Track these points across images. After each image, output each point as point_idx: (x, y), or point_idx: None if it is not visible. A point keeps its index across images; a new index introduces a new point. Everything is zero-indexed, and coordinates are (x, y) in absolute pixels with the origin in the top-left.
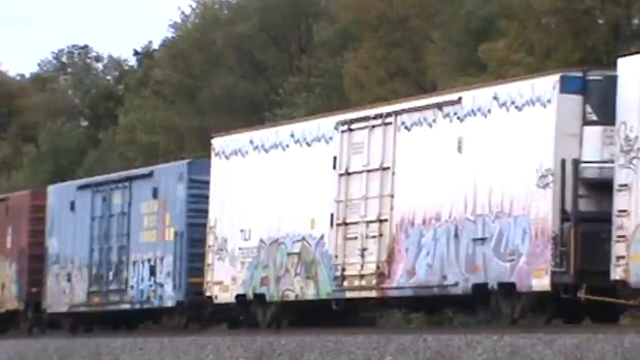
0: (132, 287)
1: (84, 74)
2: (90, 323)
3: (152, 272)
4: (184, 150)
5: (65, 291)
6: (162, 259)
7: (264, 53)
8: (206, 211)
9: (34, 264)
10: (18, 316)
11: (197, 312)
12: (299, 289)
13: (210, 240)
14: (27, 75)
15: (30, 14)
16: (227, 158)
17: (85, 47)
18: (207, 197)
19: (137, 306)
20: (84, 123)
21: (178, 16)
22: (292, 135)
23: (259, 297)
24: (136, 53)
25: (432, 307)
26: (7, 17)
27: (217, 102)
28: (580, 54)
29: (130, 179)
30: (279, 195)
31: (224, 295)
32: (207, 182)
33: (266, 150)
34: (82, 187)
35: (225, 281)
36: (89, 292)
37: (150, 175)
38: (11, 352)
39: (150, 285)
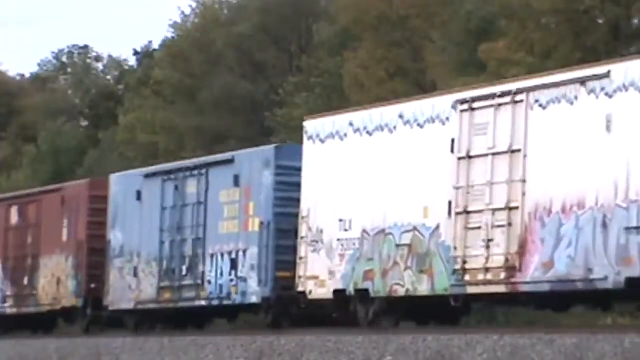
0: (209, 282)
1: (84, 74)
2: (156, 321)
3: (233, 265)
4: (184, 150)
5: (131, 287)
6: (244, 252)
7: (264, 53)
8: (295, 200)
9: (94, 258)
10: (74, 313)
11: (284, 309)
12: (409, 283)
13: (303, 231)
14: (27, 75)
15: (30, 14)
16: (322, 142)
17: (85, 47)
18: (296, 184)
19: (215, 302)
20: (84, 123)
21: (178, 16)
22: (401, 117)
23: (361, 293)
24: (136, 53)
25: (569, 304)
26: (7, 17)
27: (217, 102)
28: (580, 54)
29: (207, 165)
30: (385, 181)
31: (319, 291)
32: (296, 169)
33: (369, 133)
34: (150, 176)
35: (321, 275)
36: (159, 287)
37: (231, 161)
38: (11, 352)
39: (231, 280)
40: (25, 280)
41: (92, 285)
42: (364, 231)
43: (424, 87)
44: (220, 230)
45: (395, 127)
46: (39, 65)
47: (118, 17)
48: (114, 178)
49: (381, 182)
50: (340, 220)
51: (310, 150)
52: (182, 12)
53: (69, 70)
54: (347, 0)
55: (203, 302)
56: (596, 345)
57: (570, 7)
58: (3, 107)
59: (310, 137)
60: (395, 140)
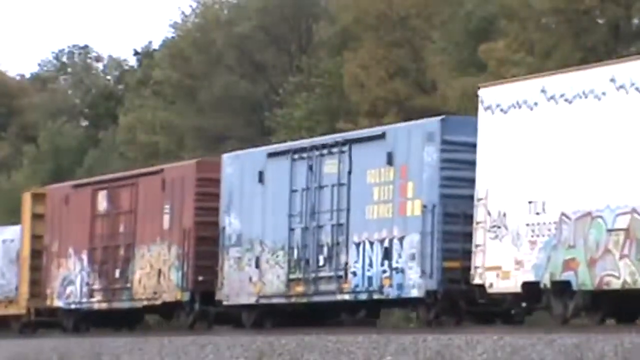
0: (354, 273)
1: (84, 74)
2: (281, 316)
3: (386, 255)
4: (184, 150)
5: (252, 279)
6: (401, 239)
7: (264, 53)
8: (464, 179)
9: (202, 248)
10: (177, 309)
11: (451, 303)
12: (627, 274)
13: (479, 216)
14: (27, 75)
15: (31, 14)
16: (503, 112)
17: (86, 47)
18: (465, 162)
19: (363, 296)
20: (84, 123)
21: (178, 16)
22: (613, 80)
23: (559, 285)
24: (136, 53)
25: None
26: (7, 17)
27: (217, 102)
28: (580, 54)
29: (350, 142)
30: (590, 156)
31: (503, 283)
32: (466, 144)
33: (568, 101)
34: (275, 155)
35: (504, 266)
36: (288, 280)
37: (381, 136)
38: (11, 351)
39: (384, 272)
40: (117, 273)
41: (200, 278)
42: (564, 214)
43: (424, 87)
44: (369, 215)
45: (604, 93)
46: (39, 65)
47: (118, 17)
48: (227, 158)
49: (586, 157)
50: (530, 202)
51: (487, 122)
52: (182, 12)
53: (69, 70)
54: (347, 0)
55: (346, 296)
56: (596, 345)
57: (570, 7)
58: (3, 107)
59: (487, 107)
60: (604, 107)
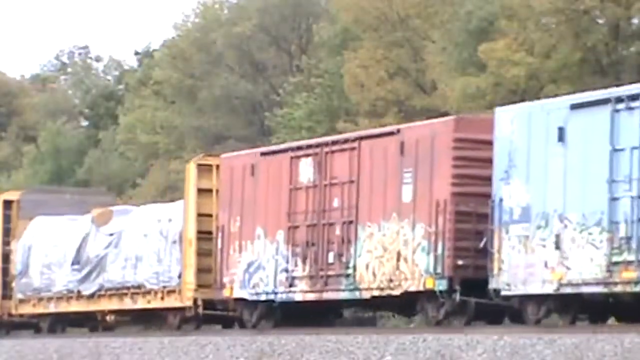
0: None
1: (84, 74)
2: (582, 310)
3: None
4: (184, 150)
5: (548, 264)
6: None
7: (264, 53)
8: None
9: (462, 225)
10: (424, 300)
11: None
12: None
13: None
14: (27, 76)
15: (31, 14)
16: None
17: (86, 47)
18: None
19: None
20: (84, 123)
21: (179, 16)
22: None
23: None
24: (136, 53)
25: None
26: (7, 17)
27: (217, 102)
28: (580, 54)
29: None
30: None
31: None
32: None
33: None
34: (581, 106)
35: None
36: (609, 263)
37: None
38: (11, 351)
39: None
40: (330, 257)
41: (460, 262)
42: None
43: (424, 87)
44: None
45: None
46: (39, 65)
47: (118, 18)
48: (505, 113)
49: None
50: None
51: None
52: (182, 13)
53: (69, 70)
54: (347, 0)
55: None
56: (596, 345)
57: (570, 7)
58: (3, 107)
59: None
60: None
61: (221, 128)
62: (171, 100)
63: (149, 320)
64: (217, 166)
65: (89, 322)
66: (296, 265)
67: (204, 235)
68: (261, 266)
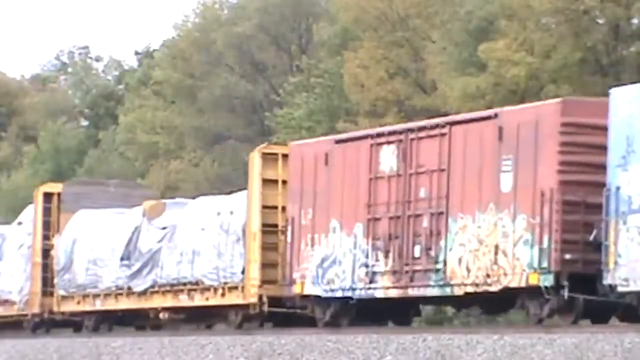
0: None
1: (84, 74)
2: None
3: None
4: (184, 150)
5: None
6: None
7: (264, 53)
8: None
9: (570, 216)
10: (525, 296)
11: None
12: None
13: None
14: (27, 76)
15: (31, 14)
16: None
17: (86, 47)
18: None
19: None
20: (84, 123)
21: (178, 16)
22: None
23: None
24: (136, 53)
25: None
26: (7, 17)
27: (217, 102)
28: (580, 54)
29: None
30: None
31: None
32: None
33: None
34: None
35: None
36: None
37: None
38: (12, 351)
39: None
40: (417, 251)
41: (568, 256)
42: None
43: (424, 87)
44: None
45: None
46: (39, 65)
47: (118, 18)
48: (625, 93)
49: None
50: None
51: None
52: (182, 12)
53: (69, 70)
54: (347, 0)
55: None
56: (596, 345)
57: (570, 7)
58: (3, 107)
59: None
60: None
61: (221, 128)
62: (171, 100)
63: (205, 318)
64: (283, 155)
65: (138, 320)
66: (377, 259)
67: (268, 228)
68: (337, 261)
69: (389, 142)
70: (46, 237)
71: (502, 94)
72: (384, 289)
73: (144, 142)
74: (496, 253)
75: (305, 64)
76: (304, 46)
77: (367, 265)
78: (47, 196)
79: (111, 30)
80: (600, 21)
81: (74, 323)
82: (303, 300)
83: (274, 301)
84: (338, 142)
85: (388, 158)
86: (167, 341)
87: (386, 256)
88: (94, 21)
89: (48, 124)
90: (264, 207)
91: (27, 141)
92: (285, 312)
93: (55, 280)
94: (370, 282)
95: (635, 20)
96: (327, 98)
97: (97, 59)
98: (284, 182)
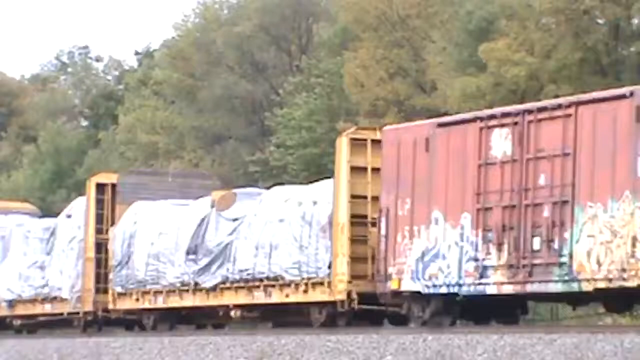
0: None
1: (84, 74)
2: None
3: None
4: (184, 150)
5: None
6: None
7: (264, 53)
8: None
9: None
10: None
11: None
12: None
13: None
14: (27, 76)
15: (31, 14)
16: None
17: (86, 47)
18: None
19: None
20: (84, 123)
21: (178, 16)
22: None
23: None
24: (136, 53)
25: None
26: (7, 17)
27: (217, 102)
28: (580, 54)
29: None
30: None
31: None
32: None
33: None
34: None
35: None
36: None
37: None
38: (11, 351)
39: None
40: (536, 243)
41: None
42: None
43: (424, 87)
44: None
45: None
46: (39, 65)
47: (118, 18)
48: None
49: None
50: None
51: None
52: (182, 12)
53: (69, 70)
54: (347, 0)
55: None
56: (596, 345)
57: (570, 7)
58: (3, 107)
59: None
60: None
61: (221, 128)
62: (171, 100)
63: (282, 315)
64: (373, 141)
65: (203, 318)
66: (488, 253)
67: (357, 219)
68: (440, 255)
69: (501, 125)
70: (99, 231)
71: (502, 94)
72: (497, 284)
73: (144, 142)
74: (634, 245)
75: (305, 64)
76: (304, 46)
77: (476, 259)
78: (100, 187)
79: (111, 30)
80: (600, 21)
81: (129, 322)
82: (396, 297)
83: (364, 298)
84: (441, 125)
85: (501, 142)
86: (167, 341)
87: (499, 249)
88: (94, 21)
89: (48, 124)
90: (352, 196)
91: (27, 141)
92: (375, 310)
93: (111, 276)
94: (481, 277)
95: (635, 20)
96: (327, 98)
97: (97, 59)
98: (374, 169)
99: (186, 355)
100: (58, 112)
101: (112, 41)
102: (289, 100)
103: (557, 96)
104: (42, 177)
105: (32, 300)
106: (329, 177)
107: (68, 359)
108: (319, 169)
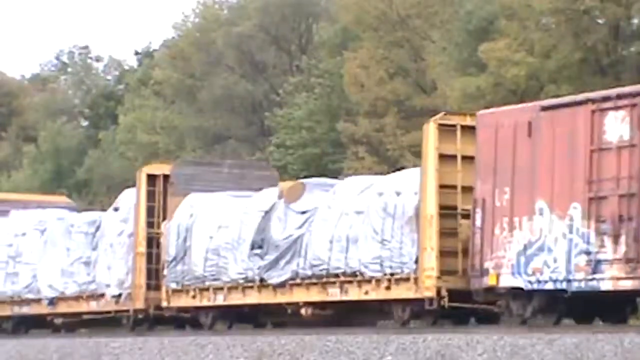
0: None
1: (84, 74)
2: None
3: None
4: (184, 150)
5: None
6: None
7: (264, 53)
8: None
9: None
10: None
11: None
12: None
13: None
14: (27, 75)
15: (31, 14)
16: None
17: (86, 47)
18: None
19: None
20: (84, 123)
21: (178, 16)
22: None
23: None
24: (136, 53)
25: None
26: (7, 17)
27: (217, 102)
28: (580, 54)
29: None
30: None
31: None
32: None
33: None
34: None
35: None
36: None
37: None
38: (12, 351)
39: None
40: None
41: None
42: None
43: (424, 87)
44: None
45: None
46: (39, 65)
47: (118, 18)
48: None
49: None
50: None
51: None
52: (182, 12)
53: (69, 70)
54: (347, 0)
55: None
56: (596, 345)
57: (570, 7)
58: (3, 107)
59: None
60: None
61: (221, 128)
62: (171, 100)
63: (357, 314)
64: (462, 127)
65: (265, 317)
66: (602, 245)
67: (446, 211)
68: (545, 248)
69: (617, 107)
70: (150, 224)
71: (502, 94)
72: (613, 279)
73: (144, 142)
74: None
75: (305, 64)
76: (304, 46)
77: (588, 253)
78: (152, 178)
79: (111, 30)
80: (600, 21)
81: (183, 320)
82: (490, 294)
83: (452, 295)
84: (545, 108)
85: (617, 126)
86: (167, 341)
87: (615, 241)
88: (94, 21)
89: (48, 124)
90: (441, 186)
91: (27, 141)
92: (468, 308)
93: (165, 272)
94: (594, 272)
95: (635, 20)
96: (327, 98)
97: (97, 59)
98: (464, 157)
99: (186, 355)
100: (58, 112)
101: (112, 41)
102: (289, 100)
103: (557, 96)
104: (42, 177)
105: (77, 297)
106: (329, 177)
107: (68, 359)
108: (318, 169)
